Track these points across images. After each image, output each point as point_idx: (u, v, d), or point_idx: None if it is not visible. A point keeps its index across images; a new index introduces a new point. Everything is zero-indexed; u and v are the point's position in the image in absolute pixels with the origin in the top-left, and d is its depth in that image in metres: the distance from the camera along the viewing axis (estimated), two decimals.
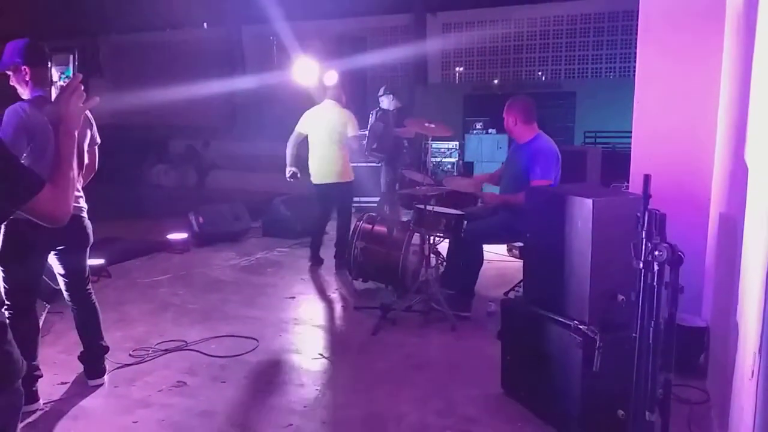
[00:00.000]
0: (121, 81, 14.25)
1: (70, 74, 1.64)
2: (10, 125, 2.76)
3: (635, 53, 3.75)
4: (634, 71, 3.76)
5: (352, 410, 3.07)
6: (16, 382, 1.62)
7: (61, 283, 3.26)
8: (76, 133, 1.62)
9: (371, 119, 6.23)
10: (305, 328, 4.26)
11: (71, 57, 1.65)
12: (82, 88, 1.60)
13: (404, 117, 6.13)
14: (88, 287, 3.32)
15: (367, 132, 6.04)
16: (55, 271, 3.23)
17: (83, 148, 3.08)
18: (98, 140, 3.25)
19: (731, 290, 2.50)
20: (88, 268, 3.31)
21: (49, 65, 1.65)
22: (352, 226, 5.08)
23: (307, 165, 5.54)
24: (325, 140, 5.42)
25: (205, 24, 14.21)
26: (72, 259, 3.19)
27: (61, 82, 1.63)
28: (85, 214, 3.15)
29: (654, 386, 2.00)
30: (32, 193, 1.46)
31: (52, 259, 3.16)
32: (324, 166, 5.46)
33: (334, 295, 4.96)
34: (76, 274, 3.24)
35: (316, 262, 5.70)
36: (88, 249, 3.25)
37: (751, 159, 2.30)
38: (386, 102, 6.78)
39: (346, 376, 3.50)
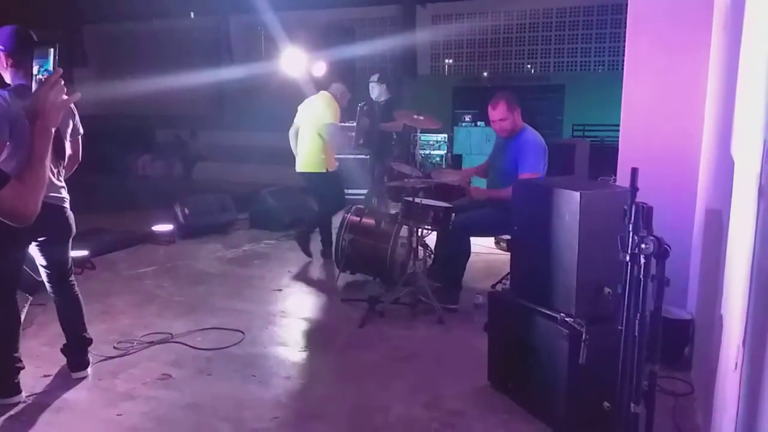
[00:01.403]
0: (107, 71, 14.08)
1: (49, 67, 1.58)
2: None
3: (624, 47, 3.75)
4: (623, 65, 3.77)
5: (339, 403, 3.06)
6: None
7: (43, 274, 3.22)
8: (53, 131, 1.54)
9: (358, 113, 6.18)
10: (292, 321, 4.24)
11: (51, 50, 1.59)
12: (63, 83, 1.54)
13: (393, 109, 6.09)
14: (70, 279, 3.28)
15: (354, 125, 6.01)
16: (37, 263, 3.19)
17: (65, 139, 3.03)
18: (81, 130, 3.20)
19: (716, 283, 2.52)
20: (70, 260, 3.27)
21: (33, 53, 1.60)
22: (340, 219, 5.06)
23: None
24: (307, 129, 5.47)
25: (192, 13, 14.03)
26: (54, 251, 3.15)
27: (40, 76, 1.58)
28: (67, 205, 3.11)
29: (639, 378, 2.01)
30: None
31: (34, 251, 3.11)
32: (301, 156, 5.53)
33: (322, 288, 4.94)
34: (58, 266, 3.20)
35: (324, 255, 5.64)
36: (70, 240, 3.20)
37: (737, 152, 2.31)
38: (377, 91, 6.58)
39: (333, 368, 3.49)
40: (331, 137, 5.40)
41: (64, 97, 1.55)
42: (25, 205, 1.46)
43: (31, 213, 1.49)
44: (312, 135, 5.42)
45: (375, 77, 6.67)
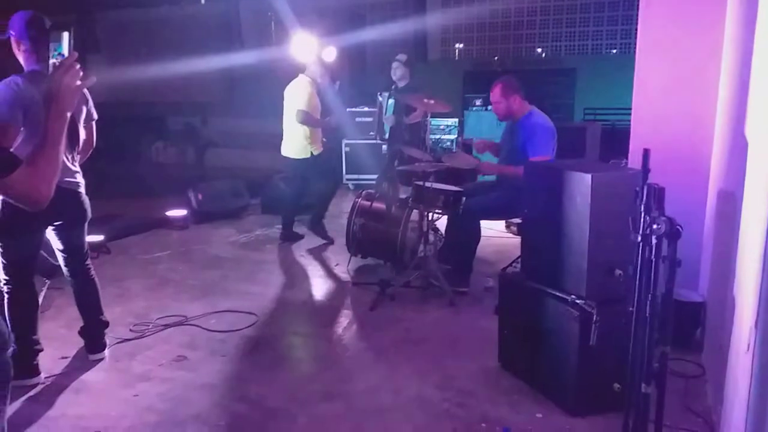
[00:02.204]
0: (119, 57, 14.09)
1: (62, 51, 1.59)
2: (5, 101, 2.74)
3: (636, 30, 3.71)
4: (635, 48, 3.73)
5: (351, 384, 3.10)
6: (2, 353, 1.62)
7: (60, 258, 3.27)
8: (68, 115, 1.54)
9: (382, 102, 6.06)
10: (304, 304, 4.28)
11: (66, 34, 1.59)
12: (78, 66, 1.53)
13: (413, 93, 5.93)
14: (87, 263, 3.33)
15: (376, 115, 5.93)
16: (54, 247, 3.24)
17: (79, 124, 3.06)
18: (95, 116, 3.23)
19: (729, 265, 2.51)
20: (86, 244, 3.32)
21: (49, 40, 1.60)
22: (351, 203, 5.07)
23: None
24: (288, 115, 5.51)
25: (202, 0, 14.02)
26: (70, 235, 3.20)
27: (54, 60, 1.58)
28: (82, 190, 3.15)
29: (650, 360, 2.02)
30: (4, 171, 1.40)
31: (51, 235, 3.16)
32: (284, 140, 5.61)
33: (333, 272, 4.97)
34: (74, 250, 3.25)
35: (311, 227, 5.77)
36: (86, 224, 3.25)
37: (751, 134, 2.30)
38: (400, 72, 6.07)
39: (345, 350, 3.53)
40: (304, 123, 5.36)
41: (79, 81, 1.56)
42: (37, 189, 1.45)
43: (43, 197, 1.47)
44: (293, 120, 5.41)
45: (402, 57, 6.19)
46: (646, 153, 2.00)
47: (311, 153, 5.47)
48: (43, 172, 1.46)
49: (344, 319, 3.99)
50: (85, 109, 3.11)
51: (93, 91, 3.14)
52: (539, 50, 12.48)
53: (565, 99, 10.77)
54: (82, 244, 3.28)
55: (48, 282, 4.04)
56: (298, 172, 5.60)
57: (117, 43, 14.76)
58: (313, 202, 5.79)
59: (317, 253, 5.48)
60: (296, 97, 5.44)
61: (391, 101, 6.01)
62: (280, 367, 3.32)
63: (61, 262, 3.29)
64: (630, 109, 3.77)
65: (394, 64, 6.14)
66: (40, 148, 1.49)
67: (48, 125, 1.50)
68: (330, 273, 4.96)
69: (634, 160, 3.67)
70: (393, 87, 6.07)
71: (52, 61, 1.58)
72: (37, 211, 1.50)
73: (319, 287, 4.67)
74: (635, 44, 3.73)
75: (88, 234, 3.32)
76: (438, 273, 4.21)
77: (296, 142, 5.47)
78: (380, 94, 6.27)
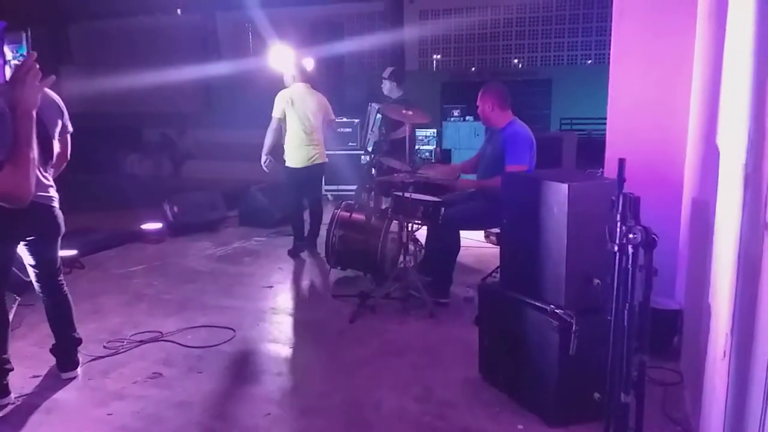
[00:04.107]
0: (94, 68, 13.92)
1: (24, 52, 1.60)
2: None
3: (610, 40, 3.76)
4: (609, 58, 3.78)
5: (331, 398, 3.06)
6: None
7: (32, 274, 3.19)
8: (34, 113, 1.59)
9: (372, 112, 6.05)
10: (283, 318, 4.24)
11: (24, 35, 1.61)
12: (37, 66, 1.57)
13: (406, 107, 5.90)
14: (59, 278, 3.25)
15: (367, 127, 5.94)
16: (26, 262, 3.16)
17: (53, 138, 2.99)
18: (70, 128, 3.14)
19: (704, 272, 2.54)
20: (59, 259, 3.24)
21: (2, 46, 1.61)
22: (330, 214, 5.04)
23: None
24: (309, 120, 5.50)
25: (179, 10, 13.94)
26: (43, 250, 3.12)
27: (16, 61, 1.59)
28: (56, 204, 3.07)
29: (629, 368, 2.03)
30: None
31: (23, 250, 3.08)
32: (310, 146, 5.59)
33: (312, 284, 4.94)
34: (46, 265, 3.17)
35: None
36: (59, 239, 3.17)
37: (723, 142, 2.33)
38: (387, 86, 6.07)
39: (325, 364, 3.49)
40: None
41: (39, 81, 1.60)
42: (20, 187, 1.55)
43: (26, 194, 1.58)
44: (320, 128, 5.55)
45: (387, 72, 6.15)
46: (621, 162, 2.02)
47: (283, 162, 5.55)
48: (23, 169, 1.55)
49: (324, 332, 3.95)
50: (60, 122, 3.03)
51: (66, 102, 3.08)
52: (516, 61, 12.65)
53: (541, 109, 10.92)
54: (54, 259, 3.20)
55: (18, 299, 3.94)
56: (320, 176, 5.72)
57: (91, 54, 14.62)
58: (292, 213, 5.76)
59: (296, 266, 5.43)
60: (325, 106, 5.54)
61: (379, 116, 5.98)
62: (257, 382, 3.27)
63: (32, 277, 3.21)
64: (605, 118, 3.82)
65: (383, 83, 6.06)
66: (14, 148, 1.56)
67: (17, 126, 1.56)
68: (309, 285, 4.92)
69: (610, 170, 3.71)
70: (387, 99, 6.10)
71: (13, 62, 1.60)
72: (19, 207, 1.62)
73: (299, 300, 4.62)
74: (609, 55, 3.77)
75: (62, 248, 3.24)
76: (418, 284, 4.20)
77: (322, 148, 5.57)
78: (370, 105, 6.26)
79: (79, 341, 3.34)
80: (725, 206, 2.16)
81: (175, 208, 6.50)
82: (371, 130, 5.98)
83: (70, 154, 3.21)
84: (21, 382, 3.17)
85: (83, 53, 14.84)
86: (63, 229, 3.14)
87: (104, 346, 3.65)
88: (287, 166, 5.53)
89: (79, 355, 3.35)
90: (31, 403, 3.01)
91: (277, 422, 2.84)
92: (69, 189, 3.31)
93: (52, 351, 3.30)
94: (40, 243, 3.09)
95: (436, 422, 2.81)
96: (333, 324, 4.06)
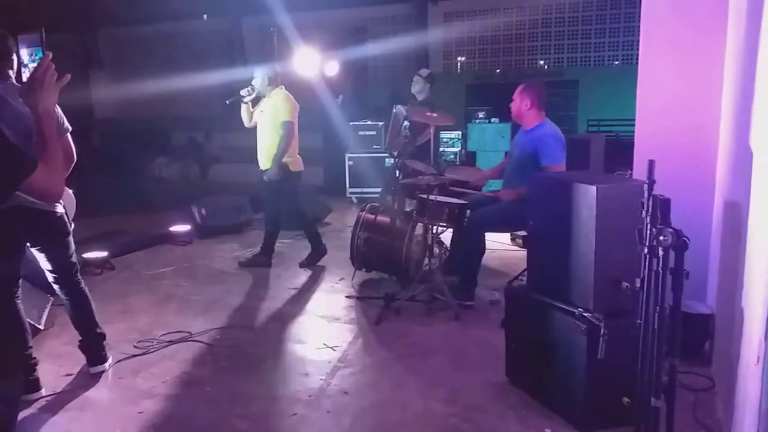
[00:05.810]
0: (122, 73, 14.19)
1: (41, 54, 1.67)
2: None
3: (638, 40, 3.71)
4: (637, 58, 3.73)
5: (357, 399, 3.08)
6: None
7: (50, 277, 3.23)
8: (54, 112, 1.67)
9: (397, 114, 6.04)
10: (309, 319, 4.26)
11: (39, 36, 1.68)
12: (53, 67, 1.63)
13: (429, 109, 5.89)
14: (76, 278, 3.28)
15: (390, 128, 5.92)
16: (42, 267, 3.19)
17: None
18: (68, 126, 3.01)
19: (737, 276, 2.49)
20: (73, 258, 3.24)
21: (13, 57, 1.68)
22: (355, 217, 5.05)
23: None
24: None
25: (205, 16, 14.14)
26: (54, 253, 3.15)
27: (33, 64, 1.66)
28: (51, 207, 2.97)
29: (659, 373, 2.00)
30: (28, 172, 1.52)
31: (38, 255, 3.12)
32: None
33: (337, 286, 4.96)
34: (61, 268, 3.20)
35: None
36: (67, 240, 3.15)
37: (756, 143, 2.28)
38: (419, 85, 6.18)
39: (350, 365, 3.50)
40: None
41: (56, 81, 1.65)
42: (54, 183, 1.62)
43: (60, 189, 1.67)
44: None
45: (424, 71, 6.24)
46: (651, 164, 1.99)
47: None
48: (54, 166, 1.61)
49: (349, 334, 3.96)
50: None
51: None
52: (541, 62, 12.53)
53: (568, 111, 10.79)
54: (66, 261, 3.19)
55: (52, 299, 4.03)
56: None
57: (120, 60, 14.88)
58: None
59: (321, 267, 5.46)
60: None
61: (406, 123, 5.94)
62: (284, 383, 3.29)
63: (50, 279, 3.24)
64: (633, 119, 3.77)
65: (415, 78, 6.21)
66: (42, 147, 1.62)
67: (41, 126, 1.62)
68: (334, 287, 4.94)
69: (639, 171, 3.66)
70: (412, 100, 6.10)
71: (32, 65, 1.67)
72: (15, 217, 1.73)
73: (323, 302, 4.65)
74: (637, 55, 3.72)
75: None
76: (443, 286, 4.19)
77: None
78: (395, 107, 6.27)
79: (103, 336, 3.39)
80: (759, 208, 2.12)
81: (203, 211, 6.60)
82: (404, 135, 5.91)
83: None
84: (54, 380, 3.25)
85: (112, 59, 15.12)
86: (68, 230, 3.13)
87: (134, 346, 3.72)
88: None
89: (109, 352, 3.41)
90: (63, 400, 3.09)
91: (304, 422, 2.86)
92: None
93: (80, 347, 3.36)
94: (48, 248, 3.12)
95: (462, 425, 2.80)
96: (359, 326, 4.07)
